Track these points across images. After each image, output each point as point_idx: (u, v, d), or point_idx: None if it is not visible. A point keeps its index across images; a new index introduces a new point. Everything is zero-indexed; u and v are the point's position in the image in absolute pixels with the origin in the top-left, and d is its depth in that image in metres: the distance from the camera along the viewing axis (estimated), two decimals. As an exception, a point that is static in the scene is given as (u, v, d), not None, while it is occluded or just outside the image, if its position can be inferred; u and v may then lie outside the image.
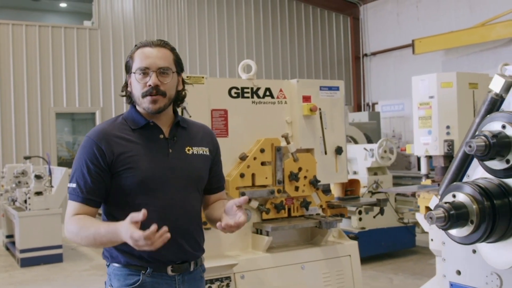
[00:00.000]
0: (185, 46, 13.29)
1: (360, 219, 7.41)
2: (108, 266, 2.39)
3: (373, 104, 15.25)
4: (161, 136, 2.38)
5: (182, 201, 2.36)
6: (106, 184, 2.30)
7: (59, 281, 7.28)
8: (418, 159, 6.54)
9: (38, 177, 8.13)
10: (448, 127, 4.76)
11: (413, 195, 4.80)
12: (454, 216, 2.60)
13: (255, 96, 3.99)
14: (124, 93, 2.44)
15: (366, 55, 15.78)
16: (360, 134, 8.54)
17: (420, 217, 4.81)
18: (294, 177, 3.94)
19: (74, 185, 2.29)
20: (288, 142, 3.94)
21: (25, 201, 8.19)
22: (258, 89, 4.00)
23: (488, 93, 2.83)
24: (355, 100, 15.92)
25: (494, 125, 2.52)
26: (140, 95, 2.31)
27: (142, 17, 13.05)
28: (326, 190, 4.25)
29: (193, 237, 2.40)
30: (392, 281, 6.71)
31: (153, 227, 1.96)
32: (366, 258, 7.49)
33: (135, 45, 2.41)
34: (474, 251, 2.89)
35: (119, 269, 2.33)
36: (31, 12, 14.19)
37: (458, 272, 3.01)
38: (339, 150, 4.21)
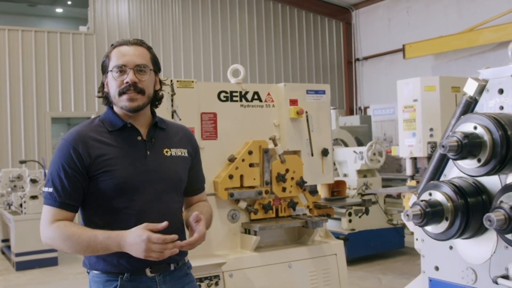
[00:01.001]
0: (179, 51, 13.41)
1: (350, 221, 7.54)
2: (88, 273, 2.35)
3: (365, 108, 15.40)
4: (139, 138, 2.33)
5: (160, 204, 2.31)
6: (83, 188, 2.24)
7: (54, 284, 7.38)
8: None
9: (33, 181, 8.23)
10: (431, 129, 4.89)
11: (399, 196, 4.94)
12: (429, 214, 2.75)
13: (243, 99, 4.12)
14: (100, 94, 2.38)
15: (358, 59, 15.93)
16: (350, 137, 8.69)
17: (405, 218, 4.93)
18: (281, 178, 4.07)
19: (50, 189, 2.22)
20: (275, 144, 4.07)
21: (21, 205, 8.28)
22: (247, 93, 4.13)
23: (463, 96, 2.98)
24: (347, 104, 16.07)
25: (466, 126, 2.66)
26: (117, 93, 2.26)
27: (137, 23, 13.16)
28: (313, 191, 4.37)
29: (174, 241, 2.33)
30: (381, 281, 6.85)
31: (173, 236, 2.01)
32: (356, 259, 7.64)
33: (112, 45, 2.39)
34: (451, 248, 3.04)
35: (98, 275, 2.29)
36: (27, 18, 14.30)
37: (437, 268, 3.15)
38: (325, 152, 4.35)
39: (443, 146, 2.57)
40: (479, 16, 12.06)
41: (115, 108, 2.35)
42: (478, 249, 2.89)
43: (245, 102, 4.12)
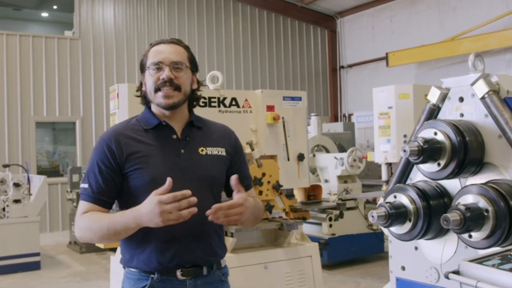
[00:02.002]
0: (164, 57, 13.49)
1: (330, 226, 7.65)
2: (124, 268, 2.38)
3: (349, 115, 15.58)
4: (174, 136, 2.33)
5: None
6: (117, 185, 2.27)
7: None
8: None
9: (16, 185, 8.26)
10: (405, 135, 5.02)
11: (374, 200, 5.07)
12: (393, 215, 2.88)
13: (221, 105, 4.23)
14: (139, 93, 2.42)
15: (342, 67, 16.13)
16: (332, 143, 8.82)
17: (379, 222, 5.07)
18: (258, 182, 4.17)
19: (86, 185, 2.27)
20: (252, 149, 4.18)
21: (4, 209, 8.29)
22: (225, 98, 4.25)
23: (427, 104, 3.13)
24: (332, 111, 16.25)
25: (427, 132, 2.80)
26: (153, 89, 2.28)
27: (123, 28, 13.24)
28: (290, 194, 4.49)
29: (207, 242, 2.32)
30: (360, 284, 6.97)
31: (185, 191, 1.96)
32: (336, 263, 7.76)
33: (150, 44, 2.41)
34: (416, 248, 3.17)
35: (131, 272, 2.31)
36: (12, 21, 14.29)
37: (403, 268, 3.28)
38: (301, 157, 4.47)
39: (404, 151, 2.70)
40: (460, 26, 12.30)
41: (153, 108, 2.37)
42: (441, 250, 3.03)
43: (223, 107, 4.23)
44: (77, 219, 2.27)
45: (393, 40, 14.15)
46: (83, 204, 2.27)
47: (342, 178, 8.01)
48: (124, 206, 2.31)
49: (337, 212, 6.99)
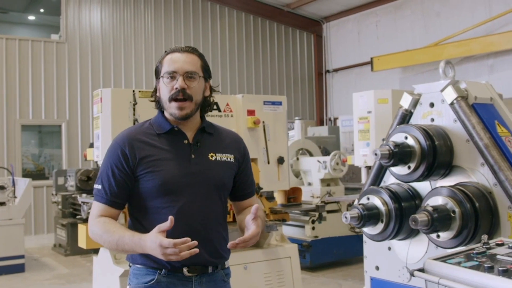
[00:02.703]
0: (151, 60, 13.53)
1: (313, 228, 7.74)
2: (130, 267, 2.46)
3: (335, 119, 15.71)
4: (185, 141, 2.41)
5: (201, 206, 2.37)
6: (129, 187, 2.35)
7: (20, 290, 7.45)
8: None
9: (1, 187, 8.26)
10: (383, 139, 5.13)
11: (353, 203, 5.16)
12: (366, 216, 3.00)
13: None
14: (153, 99, 2.47)
15: (328, 71, 16.27)
16: (315, 147, 8.92)
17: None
18: (238, 184, 4.27)
19: (99, 186, 2.35)
20: (233, 152, 4.27)
21: (-12, 211, 8.32)
22: (207, 103, 4.33)
23: (399, 109, 3.24)
24: (317, 115, 16.38)
25: (398, 136, 2.92)
26: (167, 99, 2.35)
27: (110, 31, 13.27)
28: (270, 197, 4.58)
29: (212, 244, 2.39)
30: (341, 286, 7.07)
31: (185, 239, 2.03)
32: (319, 265, 7.86)
33: (165, 51, 2.46)
34: (389, 248, 3.29)
35: (138, 269, 2.39)
36: (-1, 24, 14.33)
37: (377, 268, 3.40)
38: (281, 160, 4.56)
39: (376, 154, 2.82)
40: (444, 31, 12.49)
41: (166, 113, 2.43)
42: (413, 250, 3.14)
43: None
44: (91, 222, 2.35)
45: (378, 45, 14.31)
46: (96, 206, 2.36)
47: (325, 181, 8.10)
48: (135, 207, 2.41)
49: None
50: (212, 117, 4.33)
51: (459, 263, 2.09)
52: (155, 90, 2.46)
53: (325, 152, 9.55)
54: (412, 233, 3.07)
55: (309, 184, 8.29)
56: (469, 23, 12.02)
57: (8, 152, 11.92)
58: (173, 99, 2.34)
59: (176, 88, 2.32)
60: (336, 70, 16.04)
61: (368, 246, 3.50)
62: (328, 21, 16.15)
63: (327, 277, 7.52)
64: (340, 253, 8.00)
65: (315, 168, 8.11)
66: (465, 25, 12.03)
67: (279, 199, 4.80)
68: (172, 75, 2.34)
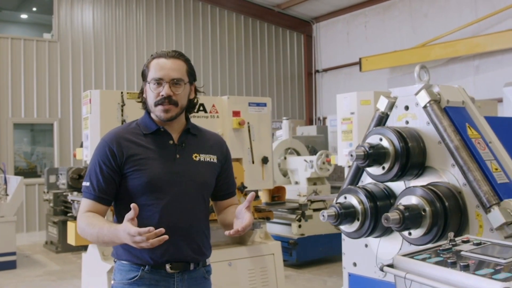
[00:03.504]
0: (143, 59, 13.58)
1: (299, 226, 7.87)
2: (115, 262, 2.53)
3: (324, 119, 15.85)
4: (171, 142, 2.50)
5: (184, 204, 2.46)
6: (116, 184, 2.43)
7: (12, 286, 7.52)
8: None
9: (-7, 185, 8.39)
10: (365, 141, 5.28)
11: (337, 201, 5.30)
12: (343, 215, 3.15)
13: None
14: (140, 99, 2.56)
15: (318, 71, 16.40)
16: (303, 146, 9.06)
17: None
18: (224, 183, 4.40)
19: (87, 183, 2.43)
20: (218, 152, 4.40)
21: (-20, 209, 8.41)
22: (194, 104, 4.46)
23: (376, 111, 3.38)
24: (307, 114, 16.52)
25: (374, 138, 3.07)
26: (153, 103, 2.44)
27: (102, 31, 13.33)
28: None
29: (194, 241, 2.48)
30: (326, 283, 7.21)
31: (148, 228, 2.08)
32: (305, 262, 8.00)
33: (151, 55, 2.54)
34: (366, 246, 3.44)
35: (122, 265, 2.47)
36: (-9, 23, 14.34)
37: (355, 264, 3.56)
38: (265, 160, 4.70)
39: (351, 155, 2.96)
40: (431, 32, 12.66)
41: (152, 114, 2.53)
42: (388, 247, 3.28)
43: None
44: (78, 218, 2.43)
45: (367, 46, 14.45)
46: (84, 202, 2.45)
47: (312, 180, 8.24)
48: (120, 205, 2.48)
49: (308, 214, 7.25)
50: (198, 118, 4.47)
51: (425, 259, 2.22)
52: (142, 91, 2.56)
53: (314, 152, 9.69)
54: (387, 231, 3.21)
55: (296, 183, 8.43)
56: (455, 24, 12.19)
57: (0, 149, 11.98)
58: (159, 103, 2.43)
59: (162, 95, 2.41)
60: (325, 70, 16.18)
61: (346, 243, 3.65)
62: (318, 21, 16.27)
63: (313, 274, 7.67)
64: (326, 250, 8.13)
65: (301, 167, 8.25)
66: (452, 26, 12.21)
67: (263, 197, 4.93)
68: (159, 82, 2.43)
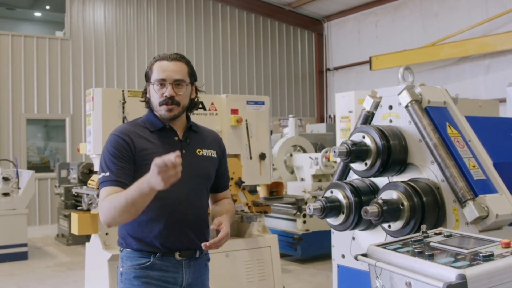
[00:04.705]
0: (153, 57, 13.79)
1: (304, 222, 8.00)
2: (121, 251, 2.63)
3: (335, 116, 15.90)
4: (176, 138, 2.65)
5: (192, 197, 2.62)
6: (132, 171, 2.50)
7: (23, 276, 7.75)
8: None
9: (5, 179, 8.63)
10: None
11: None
12: (328, 208, 3.30)
13: (190, 108, 4.61)
14: (143, 99, 2.71)
15: (329, 69, 16.49)
16: (309, 144, 9.19)
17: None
18: (222, 178, 4.56)
19: (104, 173, 2.48)
20: (217, 148, 4.57)
21: (-7, 202, 8.67)
22: (193, 102, 4.63)
23: (362, 111, 3.52)
24: (318, 112, 16.61)
25: (357, 136, 3.21)
26: (158, 103, 2.58)
27: (113, 29, 13.53)
28: (252, 190, 4.87)
29: (200, 229, 2.65)
30: (329, 277, 7.32)
31: (171, 156, 2.13)
32: (309, 257, 8.13)
33: (154, 58, 2.68)
34: (353, 238, 3.58)
35: (131, 252, 2.59)
36: (5, 21, 14.54)
37: (343, 256, 3.71)
38: (263, 156, 4.85)
39: (334, 152, 3.11)
40: (441, 32, 12.68)
41: (156, 112, 2.66)
42: (373, 239, 3.41)
43: (192, 110, 4.61)
44: (100, 206, 2.46)
45: (378, 44, 14.51)
46: (104, 190, 2.47)
47: (317, 177, 8.37)
48: None
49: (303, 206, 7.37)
50: (198, 116, 4.62)
51: (396, 249, 2.36)
52: (145, 91, 2.70)
53: (322, 149, 9.82)
54: (371, 225, 3.34)
55: (302, 179, 8.57)
56: (466, 23, 12.21)
57: (13, 145, 12.23)
58: (163, 104, 2.58)
59: (166, 96, 2.56)
60: (336, 69, 16.26)
61: (336, 236, 3.79)
62: (329, 20, 16.36)
63: (317, 269, 7.80)
64: (330, 246, 8.15)
65: (307, 164, 8.38)
66: (462, 25, 12.23)
67: (262, 192, 5.08)
68: (162, 83, 2.57)
